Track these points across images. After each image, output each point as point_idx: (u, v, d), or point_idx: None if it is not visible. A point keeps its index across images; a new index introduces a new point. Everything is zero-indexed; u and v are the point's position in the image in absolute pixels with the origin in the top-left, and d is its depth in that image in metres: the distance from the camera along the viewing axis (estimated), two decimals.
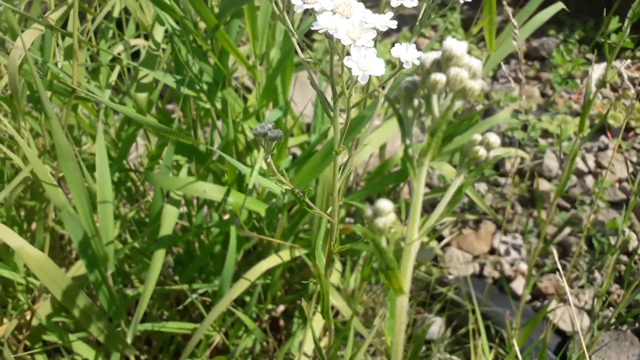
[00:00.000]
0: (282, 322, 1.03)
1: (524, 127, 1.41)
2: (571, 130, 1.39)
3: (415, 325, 1.05)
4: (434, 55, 0.33)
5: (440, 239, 1.32)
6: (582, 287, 1.11)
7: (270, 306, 0.98)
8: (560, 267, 0.71)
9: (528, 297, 1.12)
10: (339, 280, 0.96)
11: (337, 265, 0.94)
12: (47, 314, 0.77)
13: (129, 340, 0.75)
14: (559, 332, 1.04)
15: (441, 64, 0.32)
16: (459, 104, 0.32)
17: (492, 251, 1.25)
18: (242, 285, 0.76)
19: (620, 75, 1.65)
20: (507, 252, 1.22)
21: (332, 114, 0.40)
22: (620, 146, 1.36)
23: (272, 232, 0.89)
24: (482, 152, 0.34)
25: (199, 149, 0.85)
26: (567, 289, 0.66)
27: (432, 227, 0.34)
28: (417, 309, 1.10)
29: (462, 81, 0.31)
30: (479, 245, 1.25)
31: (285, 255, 0.80)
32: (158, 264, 0.75)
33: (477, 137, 0.34)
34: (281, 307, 1.02)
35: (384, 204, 0.32)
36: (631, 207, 0.90)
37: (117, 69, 0.85)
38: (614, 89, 1.59)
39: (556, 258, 0.66)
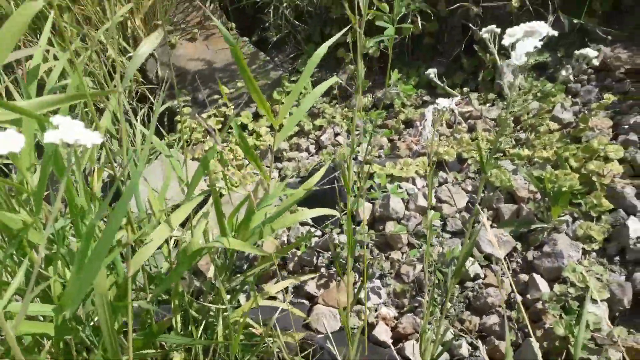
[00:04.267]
0: None
1: (371, 176, 1.48)
2: (412, 171, 1.48)
3: None
4: None
5: (309, 297, 1.32)
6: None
7: None
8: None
9: (390, 342, 1.14)
10: None
11: None
12: None
13: None
14: None
15: None
16: None
17: (358, 300, 1.26)
18: None
19: (452, 112, 1.81)
20: (369, 298, 1.24)
21: None
22: (456, 178, 1.46)
23: None
24: None
25: None
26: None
27: None
28: None
29: None
30: (343, 298, 1.26)
31: None
32: None
33: None
34: None
35: None
36: (468, 236, 0.96)
37: None
38: (449, 125, 1.74)
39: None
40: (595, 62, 0.69)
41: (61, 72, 0.84)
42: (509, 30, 0.66)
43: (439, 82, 0.81)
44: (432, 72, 0.82)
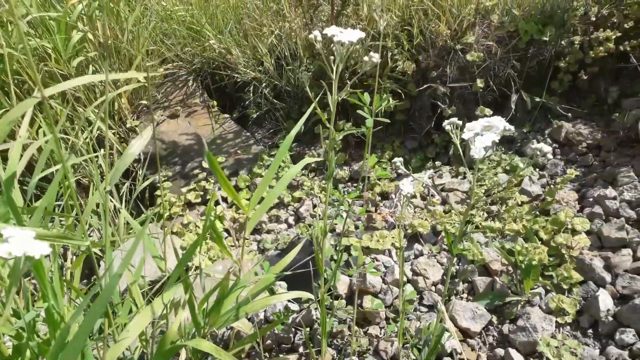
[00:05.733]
0: None
1: (347, 249, 1.50)
2: (388, 243, 1.51)
3: None
4: None
5: None
6: None
7: None
8: None
9: None
10: None
11: None
12: None
13: None
14: None
15: None
16: None
17: None
18: None
19: (426, 185, 1.86)
20: None
21: None
22: (431, 251, 1.49)
23: None
24: None
25: None
26: None
27: None
28: None
29: None
30: None
31: None
32: None
33: None
34: None
35: None
36: (441, 314, 0.97)
37: None
38: (423, 197, 1.79)
39: None
40: (550, 156, 0.75)
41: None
42: (468, 125, 0.72)
43: (404, 169, 0.86)
44: (398, 161, 0.88)
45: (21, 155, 0.82)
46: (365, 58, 0.80)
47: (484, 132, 0.70)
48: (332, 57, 0.79)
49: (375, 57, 0.79)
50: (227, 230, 1.83)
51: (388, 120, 1.09)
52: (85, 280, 1.67)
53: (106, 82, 0.70)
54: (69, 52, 1.92)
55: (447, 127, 0.77)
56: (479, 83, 1.78)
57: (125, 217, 0.95)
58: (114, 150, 1.96)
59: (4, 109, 1.75)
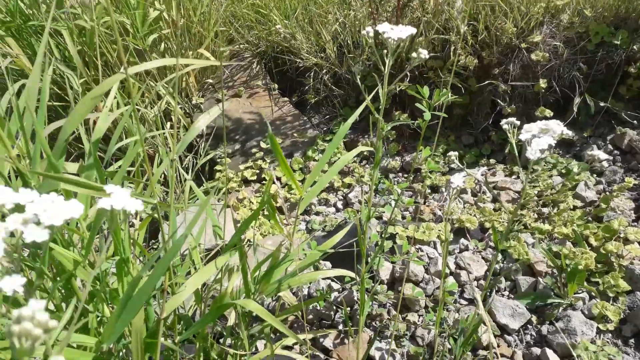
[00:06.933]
0: None
1: (392, 237, 1.54)
2: (434, 235, 1.54)
3: None
4: None
5: (324, 350, 1.36)
6: None
7: None
8: None
9: None
10: None
11: None
12: None
13: None
14: None
15: None
16: None
17: (370, 358, 1.29)
18: None
19: (478, 181, 1.86)
20: (382, 358, 1.27)
21: None
22: (477, 246, 1.51)
23: None
24: None
25: None
26: None
27: None
28: None
29: None
30: (355, 354, 1.30)
31: None
32: None
33: None
34: None
35: None
36: (481, 305, 1.00)
37: None
38: (474, 194, 1.79)
39: None
40: (606, 163, 0.76)
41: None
42: (525, 126, 0.74)
43: (458, 163, 0.89)
44: (453, 155, 0.91)
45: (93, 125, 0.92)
46: (414, 54, 0.83)
47: (540, 134, 0.72)
48: (385, 51, 0.83)
49: (424, 54, 0.83)
50: (279, 209, 1.91)
51: (445, 115, 1.11)
52: (144, 244, 1.80)
53: (177, 64, 0.77)
54: (145, 29, 2.04)
55: (505, 126, 0.79)
56: (542, 83, 1.76)
57: (191, 186, 1.03)
58: (180, 124, 2.08)
59: (82, 79, 1.89)
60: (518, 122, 0.79)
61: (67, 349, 0.80)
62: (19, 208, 0.39)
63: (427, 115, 1.09)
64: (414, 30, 0.81)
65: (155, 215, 0.90)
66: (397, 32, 0.80)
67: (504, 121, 0.79)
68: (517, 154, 0.74)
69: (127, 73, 0.65)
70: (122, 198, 0.45)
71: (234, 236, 0.91)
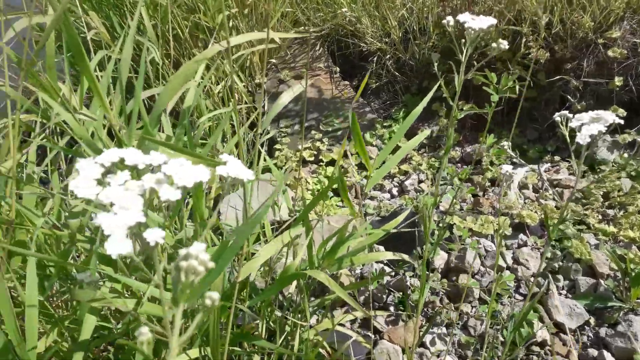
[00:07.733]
0: None
1: (450, 227, 1.54)
2: (492, 229, 1.53)
3: None
4: None
5: (375, 331, 1.39)
6: None
7: None
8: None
9: None
10: None
11: None
12: None
13: None
14: None
15: None
16: None
17: (422, 343, 1.31)
18: None
19: (540, 177, 1.83)
20: (433, 343, 1.29)
21: None
22: (536, 243, 1.49)
23: None
24: None
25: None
26: None
27: None
28: None
29: None
30: (409, 338, 1.32)
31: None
32: None
33: None
34: None
35: None
36: (533, 298, 1.00)
37: None
38: (535, 190, 1.76)
39: None
40: None
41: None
42: (577, 116, 0.73)
43: (512, 153, 0.89)
44: (506, 144, 0.90)
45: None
46: (494, 44, 0.83)
47: (591, 123, 0.71)
48: (462, 40, 0.83)
49: (504, 44, 0.82)
50: (334, 190, 1.94)
51: (515, 95, 1.09)
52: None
53: (267, 37, 0.80)
54: (216, 6, 2.10)
55: (557, 119, 0.78)
56: (617, 81, 1.69)
57: (266, 160, 1.07)
58: (242, 102, 2.13)
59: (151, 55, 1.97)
60: (571, 115, 0.77)
61: (147, 304, 0.86)
62: (143, 170, 0.42)
63: (495, 98, 1.07)
64: (494, 21, 0.81)
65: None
66: (478, 22, 0.80)
67: (556, 114, 0.77)
68: (569, 143, 0.72)
69: (229, 43, 0.69)
70: (236, 167, 0.49)
71: (304, 210, 0.94)
